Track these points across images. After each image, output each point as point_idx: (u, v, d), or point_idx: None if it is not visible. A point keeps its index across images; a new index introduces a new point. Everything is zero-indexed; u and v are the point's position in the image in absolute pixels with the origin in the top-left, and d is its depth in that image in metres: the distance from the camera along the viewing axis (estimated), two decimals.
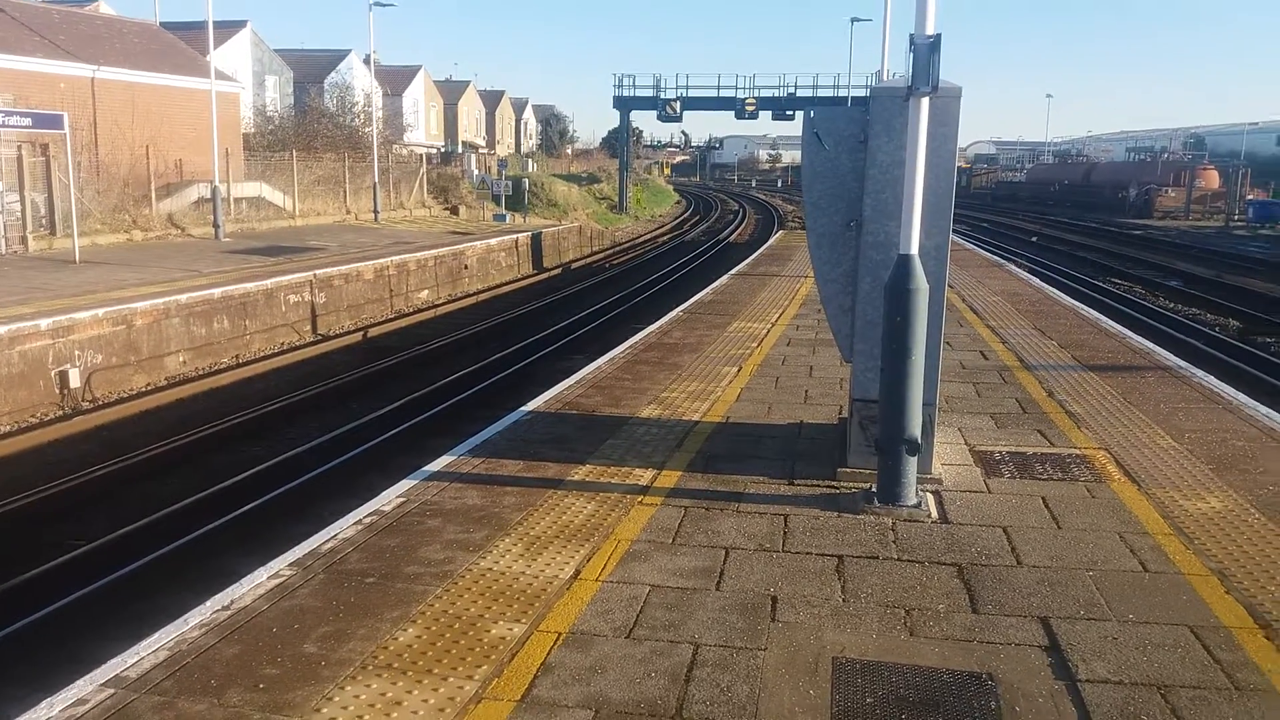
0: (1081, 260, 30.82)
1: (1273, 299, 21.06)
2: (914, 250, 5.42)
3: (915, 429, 5.52)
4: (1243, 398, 8.31)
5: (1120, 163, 72.75)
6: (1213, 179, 57.18)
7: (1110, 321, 12.93)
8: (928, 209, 5.55)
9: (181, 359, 14.28)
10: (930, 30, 5.18)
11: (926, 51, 5.15)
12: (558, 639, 4.05)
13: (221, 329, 15.18)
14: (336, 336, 17.30)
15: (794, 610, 4.34)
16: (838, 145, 6.05)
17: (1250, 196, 52.32)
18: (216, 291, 15.17)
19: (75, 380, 12.37)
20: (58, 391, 12.20)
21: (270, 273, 17.59)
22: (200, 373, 14.16)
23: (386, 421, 11.47)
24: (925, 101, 5.30)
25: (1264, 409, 7.92)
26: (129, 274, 16.96)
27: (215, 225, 23.54)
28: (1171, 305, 21.00)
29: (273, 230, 26.78)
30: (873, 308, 5.98)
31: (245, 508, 8.72)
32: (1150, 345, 11.04)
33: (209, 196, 24.29)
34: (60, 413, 11.93)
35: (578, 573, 4.70)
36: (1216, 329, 17.51)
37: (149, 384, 13.47)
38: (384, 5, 33.14)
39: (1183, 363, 9.95)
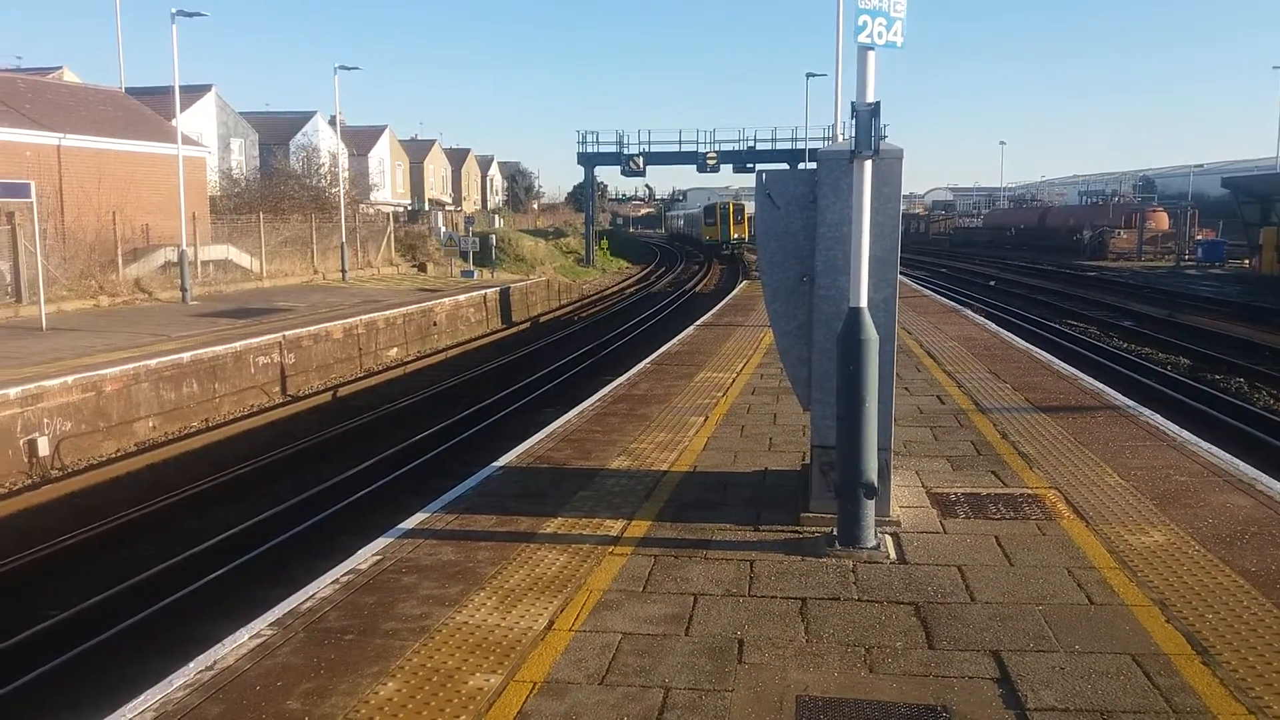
0: (1039, 303, 31.54)
1: (1221, 336, 21.72)
2: (863, 303, 5.72)
3: (872, 474, 5.78)
4: (1186, 434, 8.67)
5: (1074, 206, 74.65)
6: (1163, 220, 58.92)
7: (1063, 364, 13.34)
8: (875, 264, 5.86)
9: (151, 424, 14.30)
10: (870, 98, 5.54)
11: (868, 117, 5.50)
12: (533, 688, 4.21)
13: (191, 393, 15.23)
14: (306, 397, 17.37)
15: (760, 652, 4.54)
16: (789, 205, 6.37)
17: (1199, 237, 53.93)
18: (186, 355, 15.24)
19: (44, 448, 12.37)
20: (26, 460, 12.19)
21: (239, 335, 17.68)
22: (170, 437, 14.18)
23: (358, 481, 11.57)
24: (869, 164, 5.64)
25: (1205, 445, 8.27)
26: (97, 340, 16.98)
27: (183, 289, 23.61)
28: (1125, 345, 21.57)
29: (240, 292, 26.86)
30: (828, 359, 6.25)
31: (218, 572, 8.78)
32: (1101, 386, 11.42)
33: (176, 260, 24.37)
34: (29, 481, 11.92)
35: (551, 623, 4.87)
36: (1168, 368, 18.04)
37: (119, 450, 13.47)
38: (349, 69, 33.61)
39: (1131, 402, 10.32)
